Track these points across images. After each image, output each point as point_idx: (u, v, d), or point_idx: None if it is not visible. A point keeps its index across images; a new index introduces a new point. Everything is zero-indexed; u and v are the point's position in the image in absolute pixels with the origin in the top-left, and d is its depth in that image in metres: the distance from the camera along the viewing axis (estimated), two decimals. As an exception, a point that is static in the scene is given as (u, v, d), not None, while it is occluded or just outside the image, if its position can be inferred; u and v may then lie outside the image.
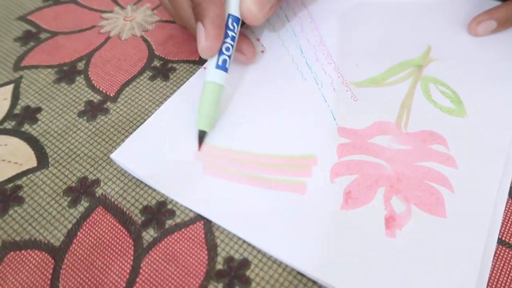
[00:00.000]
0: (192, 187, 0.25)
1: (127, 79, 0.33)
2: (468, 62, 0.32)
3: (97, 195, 0.26)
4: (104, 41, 0.36)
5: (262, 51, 0.33)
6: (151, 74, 0.33)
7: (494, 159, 0.26)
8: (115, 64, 0.34)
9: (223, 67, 0.27)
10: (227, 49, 0.27)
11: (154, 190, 0.26)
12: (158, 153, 0.27)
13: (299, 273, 0.23)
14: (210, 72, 0.27)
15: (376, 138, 0.27)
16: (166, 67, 0.34)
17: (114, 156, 0.26)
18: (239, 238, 0.24)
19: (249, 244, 0.24)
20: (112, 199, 0.26)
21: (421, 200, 0.24)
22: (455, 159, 0.26)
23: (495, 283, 0.22)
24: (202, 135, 0.27)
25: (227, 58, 0.27)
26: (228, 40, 0.27)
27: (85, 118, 0.30)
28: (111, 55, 0.34)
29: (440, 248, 0.22)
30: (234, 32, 0.28)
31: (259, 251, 0.24)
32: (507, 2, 0.33)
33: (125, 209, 0.25)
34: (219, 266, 0.23)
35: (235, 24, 0.28)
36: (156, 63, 0.34)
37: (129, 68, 0.33)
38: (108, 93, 0.32)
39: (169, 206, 0.25)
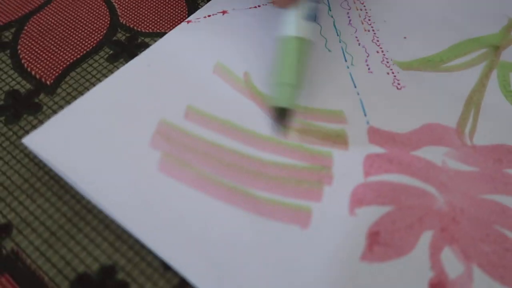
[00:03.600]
0: (139, 193, 0.19)
1: (74, 59, 0.26)
2: None
3: (5, 252, 0.19)
4: (46, 0, 0.29)
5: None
6: (111, 52, 0.26)
7: None
8: (59, 35, 0.27)
9: (312, 17, 0.23)
10: None
11: (98, 246, 0.19)
12: (101, 136, 0.21)
13: None
14: (292, 23, 0.23)
15: (425, 149, 0.21)
16: (134, 42, 0.27)
17: (27, 141, 0.21)
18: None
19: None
20: (28, 261, 0.19)
21: (489, 259, 0.18)
22: (546, 194, 0.20)
23: None
24: (283, 115, 0.22)
25: (315, 4, 0.23)
26: None
27: (3, 118, 0.23)
28: (55, 21, 0.27)
29: None
30: None
31: None
32: None
33: (46, 278, 0.18)
34: None
35: None
36: (120, 35, 0.27)
37: (80, 43, 0.26)
38: (43, 80, 0.25)
39: (120, 276, 0.18)
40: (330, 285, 0.18)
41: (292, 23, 0.23)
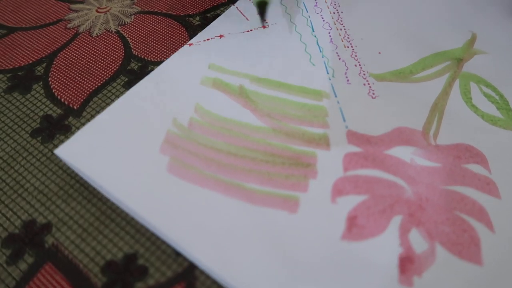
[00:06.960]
0: (152, 191, 0.21)
1: (95, 86, 0.27)
2: (524, 58, 0.27)
3: (47, 246, 0.21)
4: (70, 38, 0.30)
5: (264, 27, 0.29)
6: (126, 79, 0.28)
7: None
8: (82, 67, 0.28)
9: None
10: None
11: (122, 238, 0.21)
12: (119, 145, 0.22)
13: None
14: None
15: (396, 149, 0.22)
16: (145, 70, 0.28)
17: (59, 151, 0.22)
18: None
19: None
20: (66, 252, 0.20)
21: (449, 238, 0.19)
22: (498, 185, 0.21)
23: None
24: (263, 6, 0.26)
25: None
26: None
27: (39, 138, 0.25)
28: (78, 56, 0.29)
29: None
30: None
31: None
32: None
33: (81, 265, 0.20)
34: None
35: None
36: (134, 65, 0.28)
37: (99, 73, 0.28)
38: (71, 105, 0.26)
39: (140, 261, 0.20)
40: (315, 261, 0.19)
41: None
